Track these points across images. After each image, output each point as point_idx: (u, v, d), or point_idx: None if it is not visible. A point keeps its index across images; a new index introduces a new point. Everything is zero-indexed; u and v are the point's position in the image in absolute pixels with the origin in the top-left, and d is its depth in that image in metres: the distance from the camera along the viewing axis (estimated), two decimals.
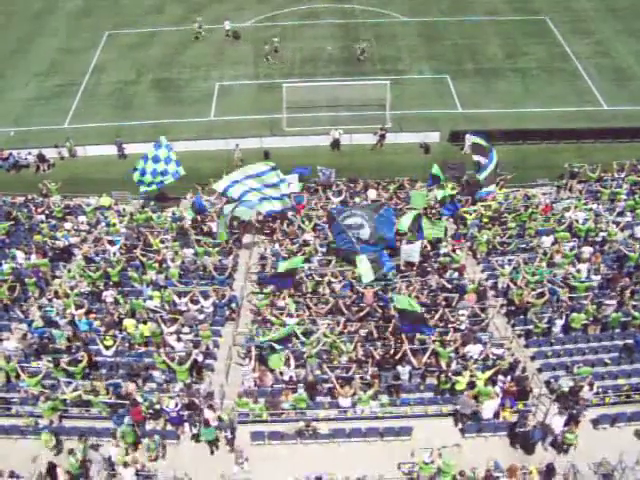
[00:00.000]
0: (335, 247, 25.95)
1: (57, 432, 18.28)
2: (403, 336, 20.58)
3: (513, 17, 47.97)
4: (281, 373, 20.27)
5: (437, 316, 21.89)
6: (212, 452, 18.41)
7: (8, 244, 27.88)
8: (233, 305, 23.66)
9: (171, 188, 31.74)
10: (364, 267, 23.24)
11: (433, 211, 28.94)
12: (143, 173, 30.13)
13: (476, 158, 29.54)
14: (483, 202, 29.44)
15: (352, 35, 46.30)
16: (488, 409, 18.56)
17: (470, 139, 31.54)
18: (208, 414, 18.21)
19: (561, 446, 17.91)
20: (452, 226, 28.91)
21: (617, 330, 22.06)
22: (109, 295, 23.82)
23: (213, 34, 46.95)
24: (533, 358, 21.31)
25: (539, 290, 22.87)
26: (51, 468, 17.12)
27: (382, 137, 36.58)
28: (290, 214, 28.67)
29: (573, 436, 17.63)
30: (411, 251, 25.10)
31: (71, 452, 17.30)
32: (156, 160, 30.03)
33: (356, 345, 20.68)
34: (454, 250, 25.93)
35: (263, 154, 35.52)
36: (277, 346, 20.08)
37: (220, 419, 18.27)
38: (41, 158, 36.03)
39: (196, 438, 18.57)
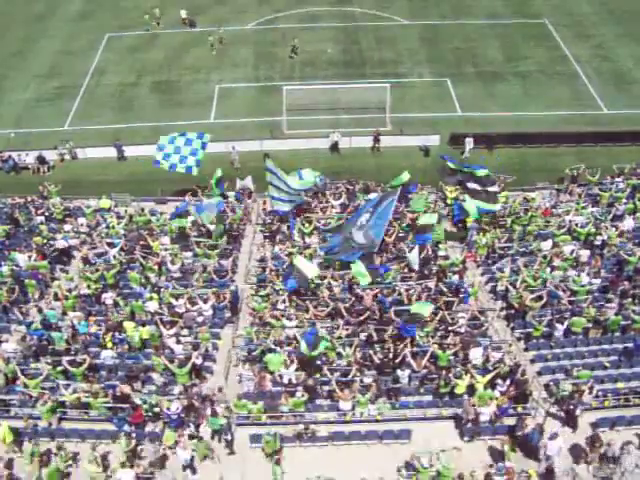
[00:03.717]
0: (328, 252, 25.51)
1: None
2: (405, 339, 20.63)
3: (513, 20, 48.06)
4: (280, 376, 20.25)
5: (437, 319, 21.91)
6: (219, 440, 18.39)
7: (8, 246, 27.89)
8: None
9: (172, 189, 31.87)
10: (361, 270, 23.27)
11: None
12: (172, 141, 30.94)
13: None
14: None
15: (353, 38, 46.41)
16: (486, 413, 18.55)
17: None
18: (217, 410, 18.42)
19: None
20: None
21: (617, 333, 22.06)
22: (108, 297, 23.82)
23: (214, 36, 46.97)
24: (533, 361, 21.30)
25: (537, 293, 22.88)
26: None
27: (376, 140, 36.59)
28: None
29: (508, 447, 17.53)
30: (412, 257, 25.14)
31: (127, 435, 17.76)
32: (188, 143, 30.90)
33: (355, 349, 20.67)
34: (465, 261, 25.98)
35: (263, 157, 35.52)
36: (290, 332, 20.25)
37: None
38: (41, 160, 36.06)
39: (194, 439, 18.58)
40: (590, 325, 21.85)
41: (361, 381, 19.62)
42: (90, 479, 17.25)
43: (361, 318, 22.36)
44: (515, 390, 19.12)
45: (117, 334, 21.86)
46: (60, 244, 27.30)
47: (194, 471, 17.64)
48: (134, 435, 18.04)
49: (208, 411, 18.57)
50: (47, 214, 30.32)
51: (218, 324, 23.26)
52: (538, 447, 17.56)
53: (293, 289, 23.02)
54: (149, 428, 18.84)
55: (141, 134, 37.80)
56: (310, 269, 23.09)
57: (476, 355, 20.47)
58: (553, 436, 17.31)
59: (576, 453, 17.96)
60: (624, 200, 29.61)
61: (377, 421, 18.94)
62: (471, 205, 27.20)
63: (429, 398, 19.91)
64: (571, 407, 18.41)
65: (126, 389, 19.22)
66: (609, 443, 17.34)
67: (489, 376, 19.27)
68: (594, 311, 21.94)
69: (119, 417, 18.73)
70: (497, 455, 17.89)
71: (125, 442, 17.62)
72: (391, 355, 20.40)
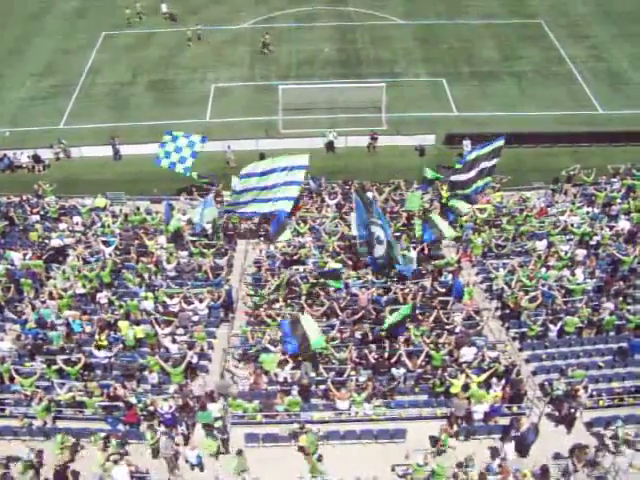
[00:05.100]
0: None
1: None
2: (399, 338, 20.64)
3: (509, 20, 48.14)
4: (275, 375, 20.25)
5: (431, 318, 21.93)
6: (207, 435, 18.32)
7: (3, 245, 27.81)
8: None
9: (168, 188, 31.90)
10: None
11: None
12: (175, 139, 31.08)
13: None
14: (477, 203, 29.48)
15: (349, 37, 46.45)
16: (479, 412, 18.60)
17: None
18: (211, 406, 18.41)
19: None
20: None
21: (611, 333, 22.12)
22: (103, 297, 23.77)
23: (211, 36, 46.92)
24: (527, 361, 21.35)
25: (532, 294, 22.90)
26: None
27: (373, 139, 36.61)
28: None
29: (445, 436, 17.68)
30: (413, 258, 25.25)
31: (151, 427, 18.09)
32: (190, 145, 31.02)
33: (350, 350, 20.68)
34: (460, 260, 25.99)
35: (259, 156, 35.50)
36: (272, 347, 20.13)
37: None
38: (36, 159, 35.96)
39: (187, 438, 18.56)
40: (583, 325, 21.91)
41: (356, 380, 19.64)
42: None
43: (356, 317, 22.37)
44: (510, 390, 19.16)
45: (112, 333, 21.83)
46: (55, 243, 27.25)
47: (194, 469, 17.74)
48: (159, 430, 18.13)
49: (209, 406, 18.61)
50: (42, 213, 30.25)
51: (213, 323, 23.25)
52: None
53: (295, 353, 20.10)
54: (143, 427, 18.79)
55: (137, 133, 37.70)
56: (315, 331, 19.96)
57: (466, 354, 20.51)
58: (507, 440, 17.52)
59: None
60: (619, 200, 29.69)
61: (372, 420, 18.96)
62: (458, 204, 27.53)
63: (424, 397, 19.94)
64: (572, 410, 18.41)
65: (120, 391, 19.18)
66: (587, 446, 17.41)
67: (484, 375, 19.31)
68: (588, 311, 21.98)
69: (113, 417, 18.71)
70: (494, 453, 17.96)
71: (150, 435, 17.76)
72: (386, 354, 20.44)
